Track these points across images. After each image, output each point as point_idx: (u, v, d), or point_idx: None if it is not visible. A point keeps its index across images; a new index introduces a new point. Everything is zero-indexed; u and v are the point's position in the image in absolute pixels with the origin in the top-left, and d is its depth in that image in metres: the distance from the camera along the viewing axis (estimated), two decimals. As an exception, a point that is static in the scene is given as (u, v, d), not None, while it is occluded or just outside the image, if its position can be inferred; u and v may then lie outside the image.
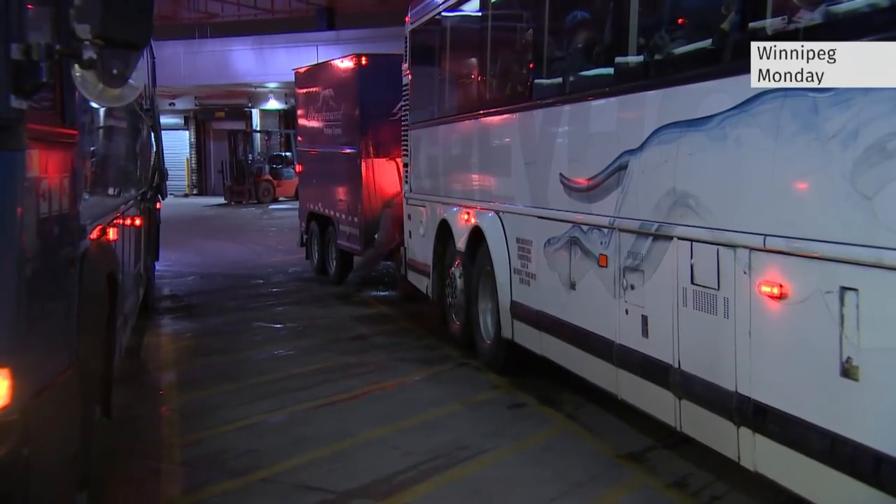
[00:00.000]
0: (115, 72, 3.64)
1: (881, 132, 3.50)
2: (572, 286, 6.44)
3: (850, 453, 3.71)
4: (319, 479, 5.60)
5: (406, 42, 11.11)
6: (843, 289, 3.73)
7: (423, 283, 10.31)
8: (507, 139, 7.81)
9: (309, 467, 5.81)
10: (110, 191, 6.17)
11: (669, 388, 5.16)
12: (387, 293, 13.29)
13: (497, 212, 7.94)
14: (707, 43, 4.96)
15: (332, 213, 14.25)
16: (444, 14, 9.67)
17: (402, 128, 11.37)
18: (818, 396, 3.94)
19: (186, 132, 44.51)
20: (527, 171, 7.21)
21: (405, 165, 11.34)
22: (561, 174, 6.54)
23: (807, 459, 4.00)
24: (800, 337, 4.05)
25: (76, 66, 3.59)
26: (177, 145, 40.09)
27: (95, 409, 4.99)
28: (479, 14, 8.71)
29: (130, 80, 3.81)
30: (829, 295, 3.81)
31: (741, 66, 4.41)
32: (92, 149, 5.19)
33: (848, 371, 3.72)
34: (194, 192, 44.05)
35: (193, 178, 44.88)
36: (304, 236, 16.05)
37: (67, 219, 3.97)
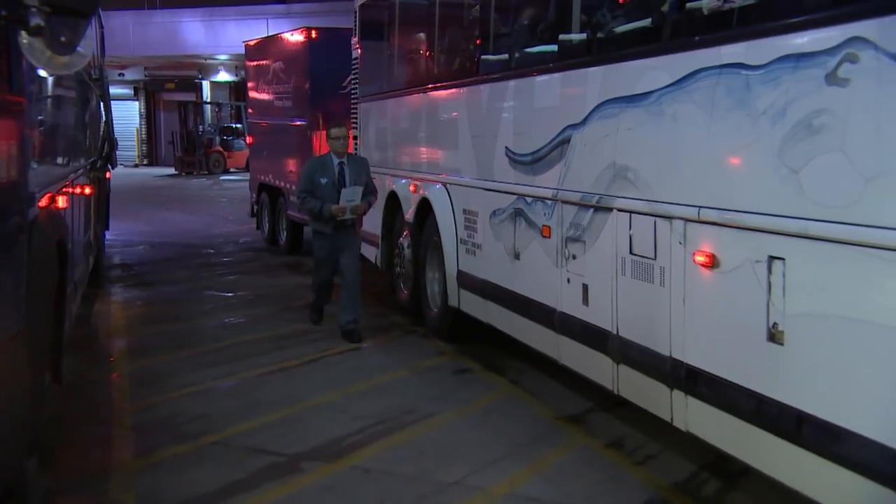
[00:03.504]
0: (63, 39, 3.60)
1: (807, 109, 3.60)
2: (517, 256, 6.52)
3: (776, 413, 3.84)
4: (270, 442, 5.62)
5: (356, 17, 11.07)
6: (771, 258, 3.85)
7: (372, 254, 10.34)
8: (455, 113, 7.84)
9: (260, 431, 5.83)
10: (59, 159, 6.09)
11: (608, 354, 5.27)
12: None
13: (444, 184, 7.99)
14: (646, 22, 5.02)
15: (282, 184, 14.20)
16: (393, -11, 9.66)
17: (352, 101, 11.36)
18: (746, 360, 4.06)
19: (136, 103, 43.83)
20: (473, 145, 7.26)
21: (355, 138, 11.31)
22: (506, 147, 6.59)
23: (735, 420, 4.13)
24: (730, 304, 4.16)
25: (23, 32, 3.54)
26: (126, 116, 39.54)
27: (45, 375, 4.96)
28: (428, -10, 8.73)
29: (79, 48, 3.78)
30: (758, 264, 3.93)
31: (679, 44, 4.52)
32: (40, 117, 5.11)
33: (774, 336, 3.84)
34: (144, 162, 43.46)
35: (143, 148, 44.24)
36: (255, 207, 16.01)
37: (15, 186, 3.89)
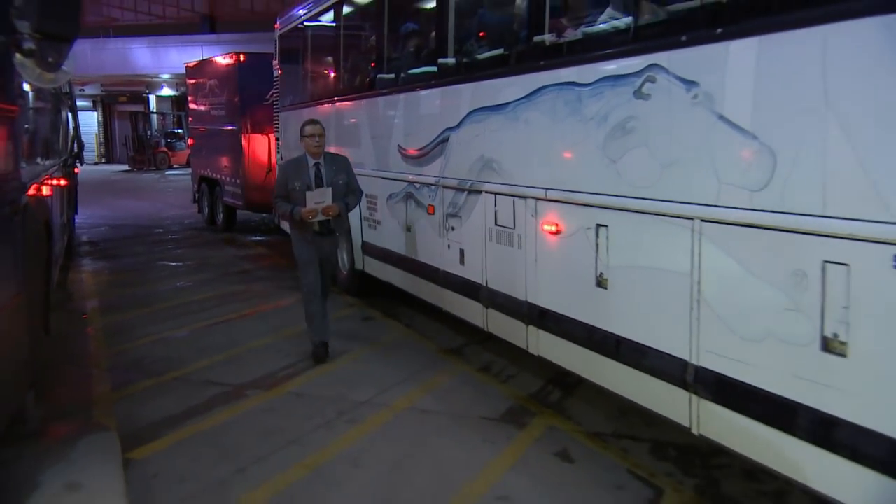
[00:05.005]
0: (50, 60, 3.51)
1: (622, 116, 3.78)
2: (408, 229, 6.58)
3: (601, 339, 4.06)
4: (220, 376, 5.61)
5: (276, 44, 10.89)
6: (598, 226, 4.03)
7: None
8: (357, 119, 7.81)
9: (211, 368, 5.79)
10: (41, 156, 5.87)
11: (480, 301, 5.41)
12: (263, 238, 13.10)
13: (350, 174, 7.96)
14: (505, 50, 5.10)
15: (218, 176, 13.92)
16: (305, 23, 9.53)
17: (274, 111, 11.18)
18: (581, 301, 4.24)
19: (95, 112, 41.81)
20: (373, 144, 7.25)
21: (277, 140, 11.18)
22: (399, 145, 6.62)
23: (573, 345, 4.33)
24: (569, 260, 4.33)
25: (17, 54, 3.44)
26: (87, 123, 37.52)
27: (40, 328, 4.83)
28: (333, 24, 8.64)
29: (64, 67, 3.68)
30: (589, 230, 4.10)
31: (529, 67, 4.63)
32: (27, 124, 4.94)
33: (600, 282, 4.04)
34: (103, 160, 41.55)
35: (102, 149, 42.33)
36: (196, 195, 15.62)
37: (11, 177, 3.79)
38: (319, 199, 5.73)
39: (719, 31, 3.19)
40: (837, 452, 2.77)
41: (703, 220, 3.31)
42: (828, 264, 2.77)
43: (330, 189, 5.78)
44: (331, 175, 5.87)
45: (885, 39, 2.55)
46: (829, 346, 2.79)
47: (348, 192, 5.95)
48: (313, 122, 5.96)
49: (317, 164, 5.86)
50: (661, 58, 3.51)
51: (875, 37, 2.59)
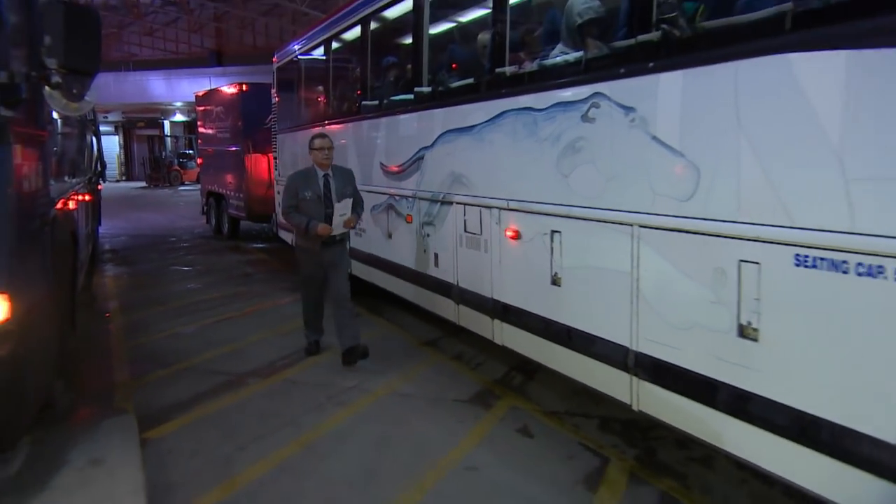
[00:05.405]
0: (74, 91, 3.52)
1: (571, 137, 3.84)
2: (389, 236, 6.59)
3: (556, 330, 4.10)
4: (224, 366, 5.59)
5: (273, 75, 10.87)
6: (553, 231, 4.08)
7: (289, 238, 10.20)
8: (345, 140, 7.80)
9: (216, 359, 5.77)
10: (68, 175, 5.82)
11: (452, 298, 5.42)
12: (263, 245, 13.05)
13: (340, 189, 7.95)
14: (472, 80, 5.13)
15: (224, 191, 13.88)
16: (299, 57, 9.53)
17: (272, 134, 11.16)
18: (539, 297, 4.28)
19: (116, 136, 41.55)
20: (358, 162, 7.24)
21: (275, 158, 11.16)
22: (381, 163, 6.64)
23: (532, 336, 4.37)
24: (528, 262, 4.36)
25: (46, 87, 3.45)
26: (110, 146, 37.46)
27: (66, 324, 4.79)
28: (323, 58, 8.66)
29: (86, 97, 3.69)
30: (545, 236, 4.15)
31: (492, 94, 4.67)
32: (55, 146, 4.90)
33: (555, 280, 4.09)
34: (123, 178, 41.23)
35: (122, 168, 42.03)
36: (205, 208, 15.56)
37: (42, 194, 3.79)
38: (343, 212, 5.46)
39: (651, 64, 3.26)
40: (752, 422, 2.84)
41: (640, 226, 3.38)
42: (742, 263, 2.85)
43: (351, 200, 5.52)
44: (340, 186, 5.55)
45: (785, 73, 2.63)
46: (744, 332, 2.86)
47: (355, 203, 5.67)
48: (322, 135, 5.61)
49: (326, 176, 5.52)
50: (603, 87, 3.57)
51: (777, 71, 2.66)
